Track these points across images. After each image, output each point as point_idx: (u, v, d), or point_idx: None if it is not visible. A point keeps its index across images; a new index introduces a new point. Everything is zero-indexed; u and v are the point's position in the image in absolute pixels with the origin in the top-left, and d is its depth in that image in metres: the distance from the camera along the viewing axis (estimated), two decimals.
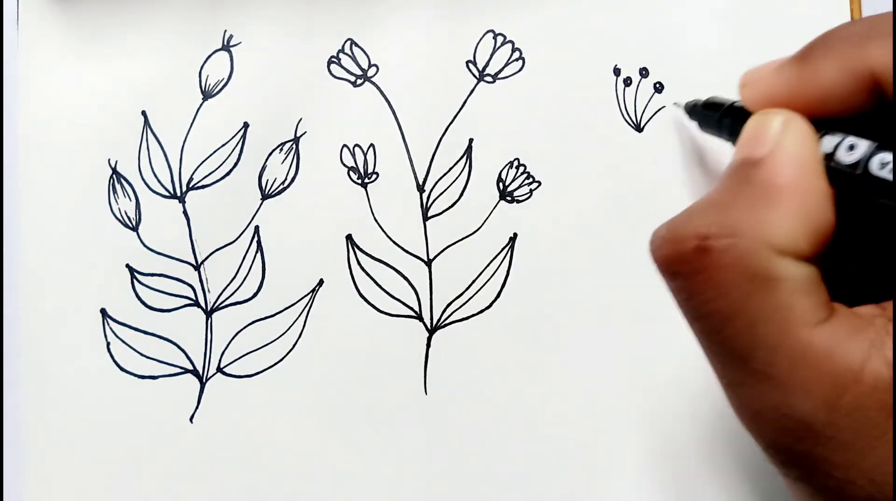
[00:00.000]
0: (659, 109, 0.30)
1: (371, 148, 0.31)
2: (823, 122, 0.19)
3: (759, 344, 0.17)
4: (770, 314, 0.17)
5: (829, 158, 0.18)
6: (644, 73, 0.30)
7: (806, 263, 0.17)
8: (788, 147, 0.18)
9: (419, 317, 0.30)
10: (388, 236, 0.30)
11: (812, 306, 0.17)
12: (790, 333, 0.17)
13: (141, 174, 0.31)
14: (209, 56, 0.31)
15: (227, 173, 0.31)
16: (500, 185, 0.30)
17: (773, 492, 0.28)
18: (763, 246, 0.17)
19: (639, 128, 0.30)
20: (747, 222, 0.17)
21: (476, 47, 0.31)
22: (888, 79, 0.17)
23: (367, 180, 0.31)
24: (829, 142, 0.18)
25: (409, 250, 0.30)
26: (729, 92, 0.30)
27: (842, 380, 0.16)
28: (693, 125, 0.27)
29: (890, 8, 0.29)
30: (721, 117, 0.24)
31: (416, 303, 0.30)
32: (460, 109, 0.31)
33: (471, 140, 0.30)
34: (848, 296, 0.18)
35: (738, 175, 0.19)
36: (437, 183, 0.30)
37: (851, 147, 0.18)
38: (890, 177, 0.17)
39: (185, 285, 0.31)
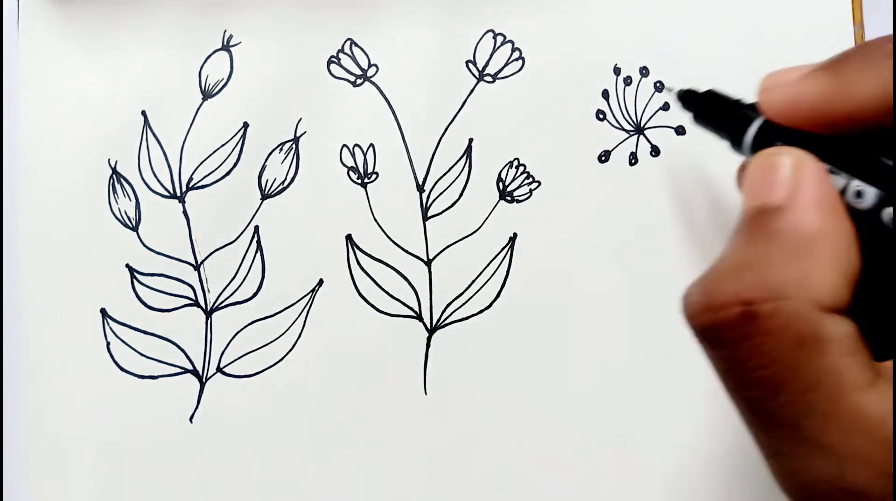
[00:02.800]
0: (659, 110, 0.30)
1: (371, 148, 0.31)
2: (825, 151, 0.18)
3: (811, 412, 0.16)
4: (821, 380, 0.16)
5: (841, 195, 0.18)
6: (644, 72, 0.30)
7: (847, 318, 0.17)
8: (808, 191, 0.17)
9: (419, 317, 0.30)
10: (387, 236, 0.30)
11: (859, 367, 0.16)
12: (843, 399, 0.16)
13: (141, 174, 0.31)
14: (209, 56, 0.31)
15: (227, 173, 0.31)
16: (500, 185, 0.30)
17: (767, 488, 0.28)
18: (810, 306, 0.16)
19: (639, 127, 0.30)
20: (789, 280, 0.16)
21: (476, 47, 0.31)
22: None
23: (366, 180, 0.31)
24: (838, 182, 0.18)
25: (409, 250, 0.30)
26: (729, 92, 0.30)
27: None
28: (686, 117, 0.26)
29: (890, 8, 0.29)
30: (723, 115, 0.23)
31: (416, 303, 0.30)
32: (460, 109, 0.31)
33: (470, 140, 0.30)
34: (873, 345, 0.17)
35: (761, 226, 0.18)
36: (436, 183, 0.30)
37: (859, 194, 0.17)
38: None
39: (185, 285, 0.31)
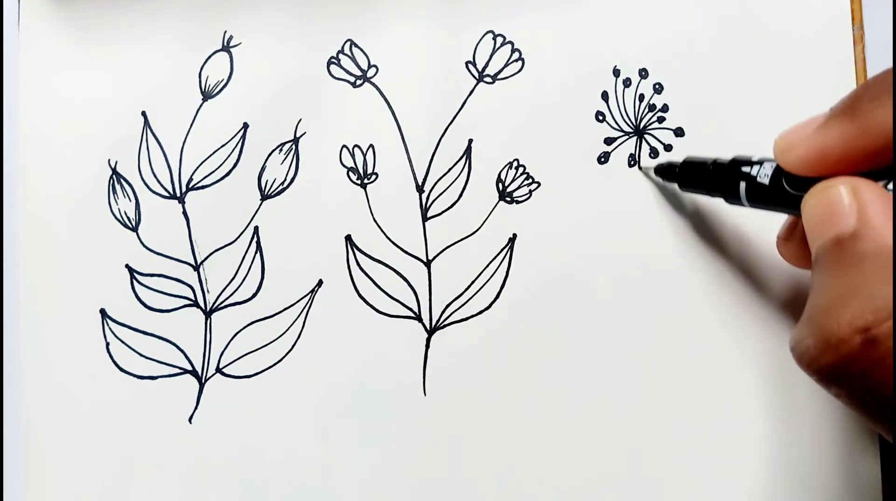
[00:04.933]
0: (658, 111, 0.30)
1: (370, 148, 0.31)
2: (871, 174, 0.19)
3: None
4: None
5: None
6: (644, 73, 0.30)
7: None
8: (875, 210, 0.18)
9: (418, 318, 0.30)
10: (387, 237, 0.30)
11: None
12: None
13: (141, 175, 0.31)
14: (209, 57, 0.32)
15: (227, 174, 0.31)
16: (500, 185, 0.30)
17: (768, 485, 0.28)
18: None
19: (638, 129, 0.30)
20: (892, 296, 0.17)
21: (476, 48, 0.31)
22: None
23: (366, 181, 0.31)
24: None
25: (409, 251, 0.30)
26: (728, 93, 0.30)
27: None
28: (666, 183, 0.28)
29: (890, 8, 0.29)
30: (710, 179, 0.25)
31: (416, 304, 0.30)
32: (460, 110, 0.30)
33: (470, 141, 0.30)
34: None
35: (844, 256, 0.18)
36: (436, 184, 0.30)
37: None
38: None
39: (185, 286, 0.31)
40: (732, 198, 0.24)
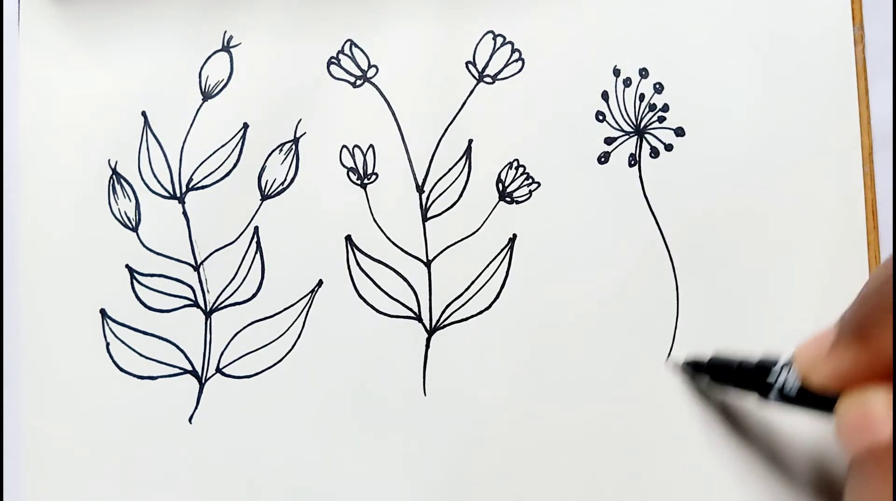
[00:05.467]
0: (659, 110, 0.30)
1: (370, 149, 0.31)
2: None
3: None
4: None
5: None
6: (644, 73, 0.30)
7: None
8: None
9: (418, 318, 0.30)
10: (387, 237, 0.30)
11: None
12: None
13: (141, 175, 0.31)
14: (209, 57, 0.31)
15: (227, 174, 0.31)
16: (500, 185, 0.30)
17: (768, 487, 0.28)
18: None
19: (638, 129, 0.30)
20: None
21: (476, 48, 0.31)
22: None
23: (366, 181, 0.31)
24: None
25: (409, 251, 0.30)
26: (728, 93, 0.30)
27: None
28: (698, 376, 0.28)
29: (890, 8, 0.29)
30: (739, 378, 0.26)
31: (416, 304, 0.30)
32: (460, 110, 0.30)
33: (470, 141, 0.30)
34: None
35: (880, 466, 0.19)
36: (436, 184, 0.30)
37: None
38: None
39: (185, 286, 0.31)
40: (764, 399, 0.25)
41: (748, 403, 0.28)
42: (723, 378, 0.27)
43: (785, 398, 0.24)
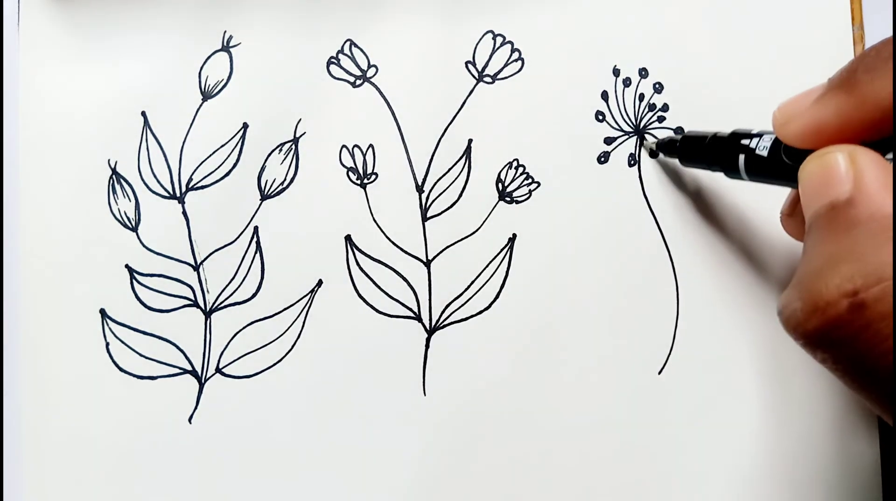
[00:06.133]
0: (658, 110, 0.30)
1: (370, 148, 0.31)
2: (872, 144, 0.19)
3: None
4: None
5: None
6: (643, 73, 0.30)
7: None
8: (871, 177, 0.18)
9: (418, 318, 0.30)
10: (387, 237, 0.30)
11: None
12: None
13: (140, 175, 0.31)
14: (209, 57, 0.31)
15: (227, 174, 0.31)
16: (500, 185, 0.30)
17: (772, 486, 0.28)
18: None
19: (638, 129, 0.30)
20: (886, 262, 0.16)
21: (475, 48, 0.31)
22: None
23: (366, 181, 0.31)
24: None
25: (408, 251, 0.30)
26: (728, 93, 0.30)
27: None
28: (669, 160, 0.28)
29: (890, 8, 0.29)
30: (710, 152, 0.25)
31: (415, 304, 0.30)
32: (459, 110, 0.30)
33: (470, 141, 0.30)
34: None
35: (838, 221, 0.18)
36: (436, 184, 0.30)
37: None
38: None
39: (185, 286, 0.31)
40: (732, 171, 0.24)
41: (722, 190, 0.28)
42: (694, 156, 0.25)
43: (756, 167, 0.23)
